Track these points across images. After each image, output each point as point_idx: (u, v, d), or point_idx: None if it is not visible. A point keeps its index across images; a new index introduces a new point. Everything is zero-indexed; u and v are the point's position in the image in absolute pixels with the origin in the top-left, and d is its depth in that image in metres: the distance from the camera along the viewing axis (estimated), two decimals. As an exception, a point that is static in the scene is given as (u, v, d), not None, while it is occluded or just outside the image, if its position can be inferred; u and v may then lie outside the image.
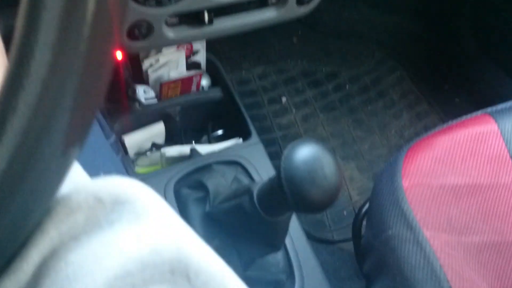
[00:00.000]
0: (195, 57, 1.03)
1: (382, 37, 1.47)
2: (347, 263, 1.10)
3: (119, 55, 0.85)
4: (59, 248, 0.23)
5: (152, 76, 0.97)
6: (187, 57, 1.00)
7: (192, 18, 0.72)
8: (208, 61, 1.03)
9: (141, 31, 0.68)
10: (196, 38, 0.76)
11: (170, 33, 0.71)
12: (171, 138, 1.04)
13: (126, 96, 0.93)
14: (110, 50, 0.21)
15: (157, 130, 1.00)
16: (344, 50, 1.47)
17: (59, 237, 0.23)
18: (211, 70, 1.05)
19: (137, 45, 0.69)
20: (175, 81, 0.96)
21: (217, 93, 1.03)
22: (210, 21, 0.72)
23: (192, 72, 0.99)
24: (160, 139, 1.03)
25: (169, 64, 0.98)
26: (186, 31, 0.72)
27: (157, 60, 0.97)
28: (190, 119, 1.05)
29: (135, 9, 0.64)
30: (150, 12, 0.65)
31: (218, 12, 0.73)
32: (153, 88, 0.98)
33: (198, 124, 1.07)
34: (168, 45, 0.87)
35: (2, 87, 0.18)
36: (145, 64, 0.96)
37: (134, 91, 0.94)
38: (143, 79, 0.98)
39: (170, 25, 0.71)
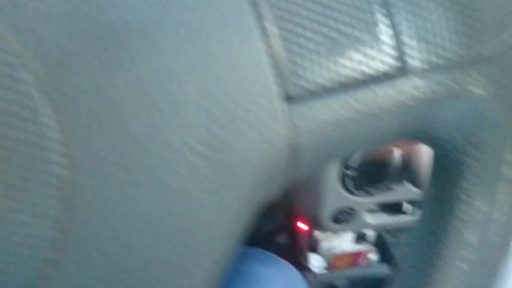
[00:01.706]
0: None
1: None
2: None
3: (303, 226, 0.89)
4: None
5: (323, 245, 0.98)
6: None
7: (391, 207, 0.74)
8: (377, 235, 1.02)
9: (344, 216, 0.71)
10: (392, 225, 0.77)
11: (369, 219, 0.73)
12: (334, 312, 1.01)
13: (299, 263, 0.95)
14: None
15: (322, 302, 0.98)
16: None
17: None
18: (380, 245, 1.04)
19: (338, 228, 0.72)
20: (348, 255, 0.96)
21: (384, 269, 1.01)
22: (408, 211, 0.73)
23: (364, 248, 0.99)
24: (323, 311, 1.00)
25: (340, 235, 0.99)
26: (384, 218, 0.74)
27: (330, 230, 0.99)
28: (355, 293, 1.02)
29: (346, 197, 0.68)
30: (358, 201, 0.68)
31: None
32: (323, 257, 0.98)
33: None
34: (364, 228, 0.89)
35: None
36: (317, 233, 0.99)
37: (305, 259, 0.95)
38: (312, 247, 0.99)
39: (370, 211, 0.73)
